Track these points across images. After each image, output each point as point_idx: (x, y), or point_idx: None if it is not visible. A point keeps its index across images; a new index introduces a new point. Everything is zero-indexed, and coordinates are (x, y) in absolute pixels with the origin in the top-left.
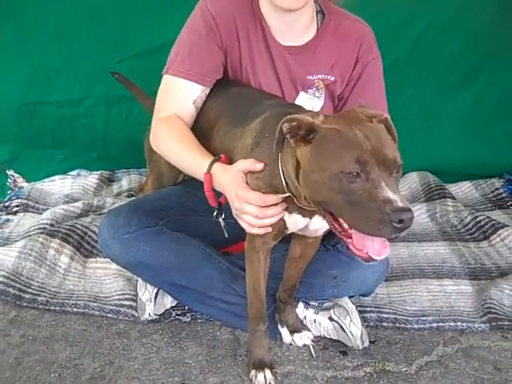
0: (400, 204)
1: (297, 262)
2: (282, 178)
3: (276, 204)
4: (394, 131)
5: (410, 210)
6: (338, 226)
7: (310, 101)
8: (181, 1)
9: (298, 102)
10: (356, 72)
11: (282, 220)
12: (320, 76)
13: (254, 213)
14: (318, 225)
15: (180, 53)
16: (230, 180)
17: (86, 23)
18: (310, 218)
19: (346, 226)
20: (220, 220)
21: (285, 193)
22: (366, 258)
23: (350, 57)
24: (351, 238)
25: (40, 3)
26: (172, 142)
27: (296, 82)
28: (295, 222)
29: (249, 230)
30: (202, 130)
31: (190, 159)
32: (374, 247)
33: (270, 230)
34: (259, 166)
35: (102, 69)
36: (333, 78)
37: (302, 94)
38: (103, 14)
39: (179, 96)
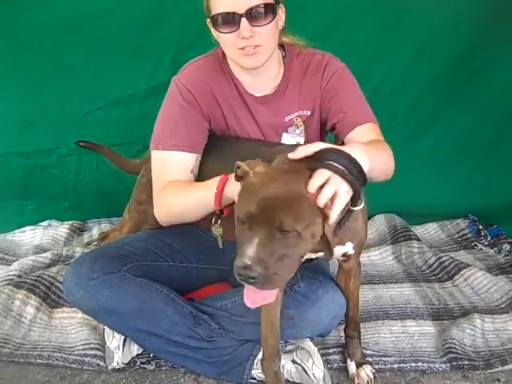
0: (243, 259)
1: (347, 295)
2: None
3: None
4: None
5: (245, 267)
6: None
7: (293, 139)
8: (149, 52)
9: (283, 142)
10: (324, 89)
11: None
12: (297, 113)
13: None
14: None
15: (166, 128)
16: None
17: (56, 74)
18: (316, 253)
19: None
20: (214, 227)
21: None
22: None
23: (316, 82)
24: None
25: (10, 55)
26: (178, 192)
27: (276, 127)
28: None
29: None
30: None
31: (202, 187)
32: (248, 294)
33: None
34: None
35: (72, 119)
36: (309, 112)
37: (284, 135)
38: (73, 65)
39: (176, 168)
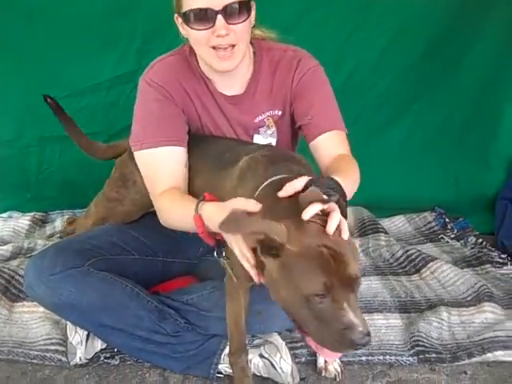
0: (361, 329)
1: None
2: None
3: None
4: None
5: (368, 334)
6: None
7: (265, 140)
8: (115, 40)
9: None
10: (295, 88)
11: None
12: (267, 113)
13: None
14: None
15: (147, 125)
16: None
17: (18, 62)
18: None
19: None
20: (221, 259)
21: None
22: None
23: (287, 80)
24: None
25: None
26: (172, 205)
27: (247, 128)
28: None
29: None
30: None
31: (186, 212)
32: (327, 353)
33: None
34: (257, 208)
35: (34, 109)
36: (280, 112)
37: (255, 136)
38: (35, 53)
39: (169, 164)
